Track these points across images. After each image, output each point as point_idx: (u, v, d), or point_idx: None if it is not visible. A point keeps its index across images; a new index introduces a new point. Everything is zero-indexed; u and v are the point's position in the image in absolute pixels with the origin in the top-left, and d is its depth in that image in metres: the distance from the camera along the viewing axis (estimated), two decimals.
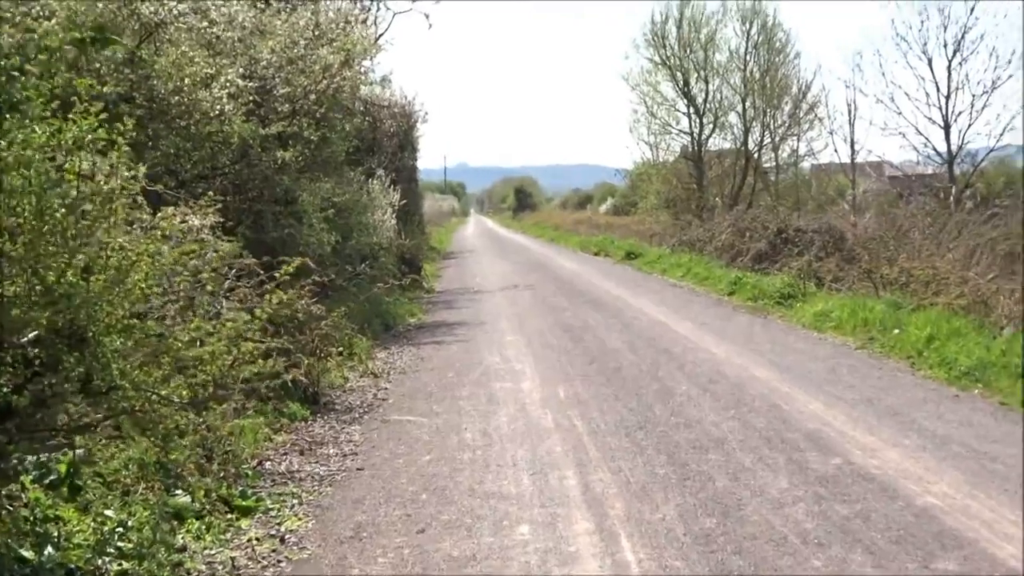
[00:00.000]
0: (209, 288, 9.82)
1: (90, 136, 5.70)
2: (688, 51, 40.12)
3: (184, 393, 6.50)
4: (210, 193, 11.88)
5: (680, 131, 41.31)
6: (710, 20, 39.94)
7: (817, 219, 28.76)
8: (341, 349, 13.27)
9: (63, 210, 5.51)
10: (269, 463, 9.43)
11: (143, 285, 6.10)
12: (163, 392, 6.26)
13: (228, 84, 14.10)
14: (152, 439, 6.78)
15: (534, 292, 24.10)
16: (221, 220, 14.31)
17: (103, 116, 5.79)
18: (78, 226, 5.65)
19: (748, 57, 39.91)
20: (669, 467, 8.49)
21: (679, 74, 40.39)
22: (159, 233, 7.02)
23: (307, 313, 12.30)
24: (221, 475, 8.38)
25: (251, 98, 14.81)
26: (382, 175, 26.32)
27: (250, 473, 8.84)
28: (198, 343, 7.14)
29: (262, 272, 11.52)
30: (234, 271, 11.80)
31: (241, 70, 14.97)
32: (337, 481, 8.79)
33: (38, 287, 5.55)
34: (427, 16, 23.57)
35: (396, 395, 12.40)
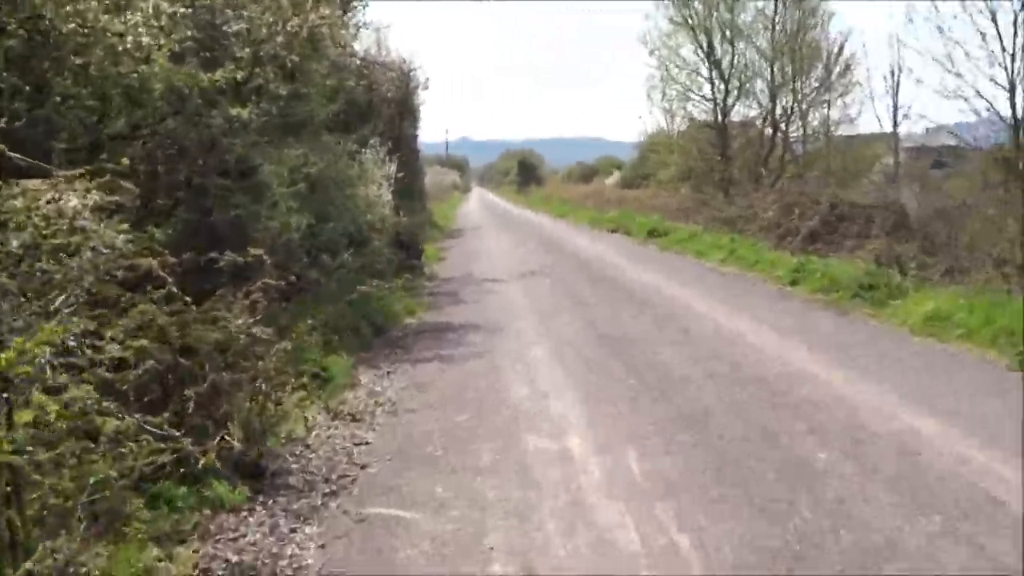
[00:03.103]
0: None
1: None
2: (713, 10, 35.66)
3: None
4: (112, 161, 7.89)
5: (702, 97, 36.90)
6: None
7: (872, 193, 24.56)
8: (302, 382, 8.95)
9: None
10: None
11: None
12: None
13: (150, 11, 9.87)
14: None
15: (553, 280, 19.69)
16: (141, 198, 10.10)
17: None
18: None
19: (777, 17, 35.49)
20: None
21: (702, 36, 35.95)
22: None
23: (248, 336, 8.07)
24: None
25: (188, 33, 10.56)
26: (377, 144, 21.99)
27: None
28: None
29: (168, 278, 7.25)
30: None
31: None
32: None
33: None
34: None
35: (380, 456, 8.07)
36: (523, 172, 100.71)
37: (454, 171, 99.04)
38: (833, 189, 25.12)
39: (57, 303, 5.23)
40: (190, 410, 7.45)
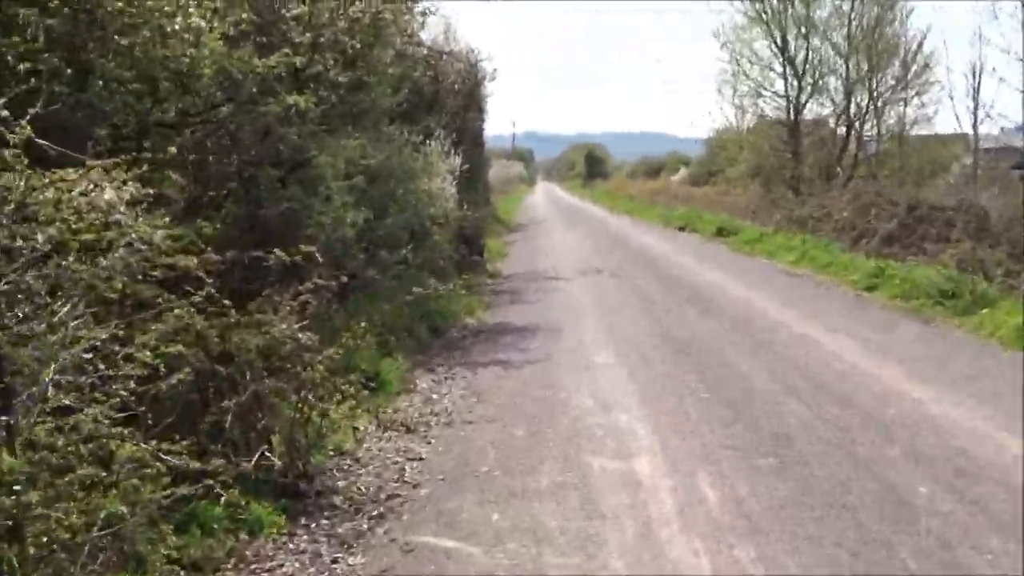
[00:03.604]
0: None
1: None
2: (788, 5, 34.61)
3: None
4: (159, 150, 7.54)
5: (774, 94, 35.86)
6: None
7: (949, 194, 23.55)
8: (352, 390, 8.30)
9: None
10: None
11: None
12: None
13: None
14: None
15: (619, 280, 18.94)
16: (190, 192, 9.70)
17: None
18: None
19: (854, 12, 34.35)
20: None
21: (776, 31, 34.92)
22: None
23: (294, 343, 7.47)
24: None
25: (243, 16, 10.01)
26: (441, 136, 21.38)
27: None
28: None
29: (208, 278, 6.67)
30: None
31: None
32: None
33: None
34: None
35: (433, 476, 7.42)
36: (590, 166, 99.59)
37: (519, 164, 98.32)
38: (909, 189, 24.13)
39: (63, 312, 4.56)
40: (227, 422, 6.88)
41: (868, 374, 10.25)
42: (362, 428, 8.38)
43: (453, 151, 21.76)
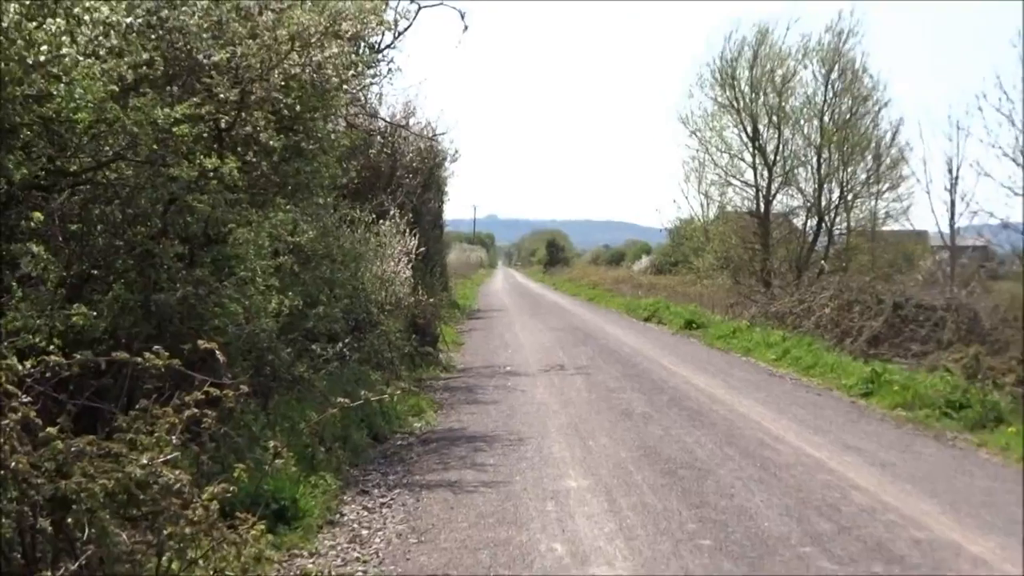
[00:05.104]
0: None
1: None
2: (760, 94, 33.09)
3: None
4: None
5: (744, 183, 34.22)
6: (786, 59, 32.83)
7: (940, 294, 21.80)
8: (247, 534, 6.07)
9: None
10: None
11: None
12: None
13: (83, 13, 7.40)
14: None
15: (588, 378, 16.74)
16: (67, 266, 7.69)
17: None
18: None
19: (826, 105, 32.85)
20: None
21: (747, 119, 33.35)
22: None
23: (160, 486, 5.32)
24: None
25: (145, 56, 8.04)
26: (396, 215, 19.43)
27: None
28: None
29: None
30: None
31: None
32: None
33: None
34: (463, 15, 16.21)
35: None
36: (551, 253, 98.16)
37: (480, 248, 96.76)
38: (879, 284, 22.40)
39: None
40: None
41: (902, 515, 8.14)
42: None
43: (409, 232, 19.81)
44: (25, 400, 4.75)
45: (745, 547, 7.16)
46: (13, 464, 4.59)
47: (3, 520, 4.58)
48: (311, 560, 7.02)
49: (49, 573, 4.68)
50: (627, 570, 6.67)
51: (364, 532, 7.81)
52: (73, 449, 5.00)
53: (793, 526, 7.73)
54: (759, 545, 7.21)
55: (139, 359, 5.59)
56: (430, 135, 24.28)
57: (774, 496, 8.66)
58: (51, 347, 5.63)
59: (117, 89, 7.60)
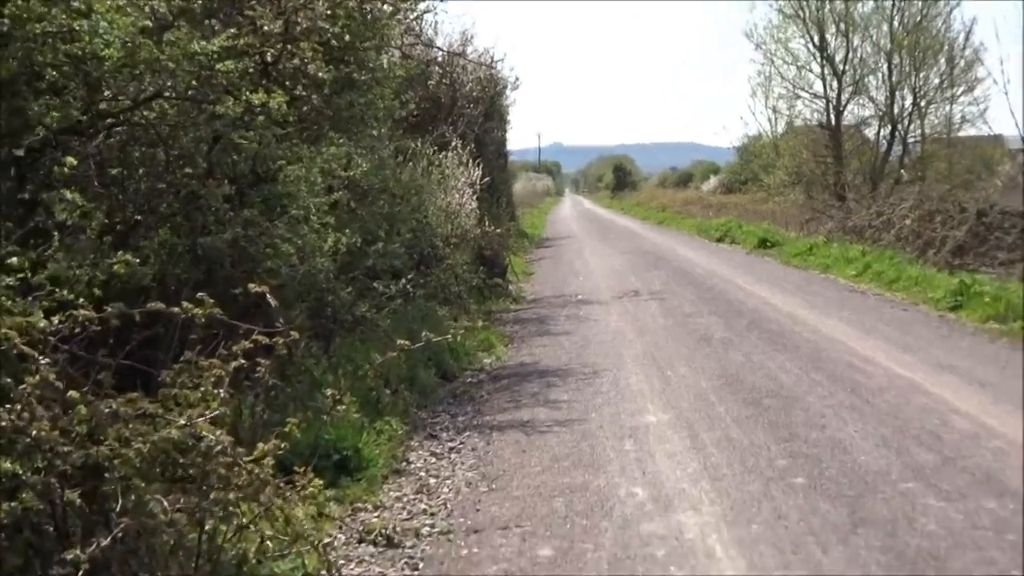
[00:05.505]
0: None
1: None
2: (826, 1, 31.84)
3: None
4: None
5: (813, 95, 33.12)
6: None
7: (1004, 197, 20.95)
8: (312, 488, 5.62)
9: None
10: None
11: None
12: None
13: None
14: None
15: (663, 303, 16.10)
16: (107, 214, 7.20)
17: None
18: None
19: (895, 8, 31.57)
20: None
21: (814, 29, 32.16)
22: None
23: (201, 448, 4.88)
24: None
25: None
26: (458, 146, 18.86)
27: None
28: None
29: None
30: None
31: None
32: None
33: None
34: None
35: None
36: (617, 177, 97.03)
37: (547, 177, 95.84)
38: (958, 193, 21.47)
39: None
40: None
41: (1005, 437, 7.52)
42: (320, 551, 5.68)
43: (472, 163, 19.24)
44: (44, 362, 4.31)
45: (842, 485, 6.58)
46: (34, 432, 4.17)
47: (27, 493, 4.17)
48: (375, 514, 6.58)
49: (79, 549, 4.25)
50: (714, 515, 6.14)
51: (432, 481, 7.35)
52: (107, 411, 4.59)
53: (892, 459, 7.12)
54: (857, 482, 6.62)
55: (176, 309, 5.12)
56: (488, 62, 23.63)
57: (868, 425, 8.04)
58: (82, 301, 5.17)
59: (151, 24, 7.13)
